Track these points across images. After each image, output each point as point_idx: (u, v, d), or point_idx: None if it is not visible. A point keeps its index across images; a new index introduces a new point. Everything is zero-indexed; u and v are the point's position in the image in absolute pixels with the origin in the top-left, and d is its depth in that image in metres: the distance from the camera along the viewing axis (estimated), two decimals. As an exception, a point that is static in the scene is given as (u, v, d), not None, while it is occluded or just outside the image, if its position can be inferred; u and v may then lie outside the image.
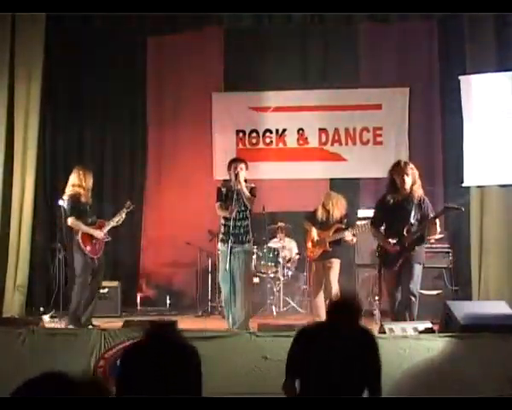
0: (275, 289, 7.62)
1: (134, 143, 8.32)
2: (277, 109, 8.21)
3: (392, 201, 5.53)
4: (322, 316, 6.30)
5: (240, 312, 5.92)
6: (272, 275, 7.59)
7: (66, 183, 6.31)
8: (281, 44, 8.04)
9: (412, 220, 5.44)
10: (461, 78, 7.30)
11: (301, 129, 8.20)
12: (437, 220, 5.41)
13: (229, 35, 8.16)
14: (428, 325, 5.12)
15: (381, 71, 8.02)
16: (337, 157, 8.15)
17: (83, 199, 6.12)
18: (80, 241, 6.03)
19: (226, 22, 7.81)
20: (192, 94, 8.25)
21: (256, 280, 7.21)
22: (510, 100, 7.06)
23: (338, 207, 6.45)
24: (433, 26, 7.85)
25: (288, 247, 7.85)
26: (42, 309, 7.12)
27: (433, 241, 6.52)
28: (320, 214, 6.49)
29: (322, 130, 8.17)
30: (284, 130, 8.22)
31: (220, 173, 7.65)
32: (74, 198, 6.07)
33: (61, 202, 6.78)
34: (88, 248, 6.07)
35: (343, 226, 6.40)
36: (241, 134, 8.28)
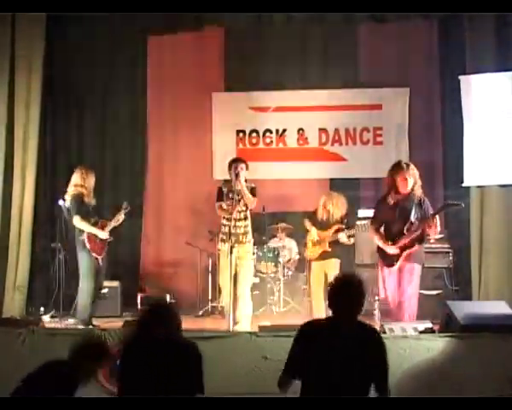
0: (275, 289, 7.62)
1: (134, 144, 8.31)
2: (277, 109, 8.20)
3: (392, 201, 5.54)
4: (322, 316, 6.31)
5: (240, 312, 5.93)
6: (272, 275, 7.60)
7: (67, 183, 6.31)
8: (281, 44, 8.04)
9: (413, 219, 5.45)
10: (461, 78, 7.30)
11: (301, 129, 8.19)
12: (437, 219, 5.41)
13: (229, 35, 8.15)
14: (428, 325, 5.13)
15: (381, 71, 8.01)
16: (337, 157, 8.14)
17: (86, 199, 6.12)
18: (86, 241, 6.03)
19: (226, 22, 7.82)
20: (192, 94, 8.25)
21: (256, 280, 7.20)
22: (510, 100, 7.06)
23: (338, 207, 6.45)
24: (433, 26, 7.84)
25: (288, 247, 7.85)
26: (42, 309, 7.11)
27: (433, 241, 6.54)
28: (320, 214, 6.49)
29: (322, 130, 8.16)
30: (284, 130, 8.22)
31: (220, 173, 7.65)
32: (78, 198, 6.07)
33: (61, 202, 6.79)
34: (93, 248, 6.07)
35: (343, 226, 6.40)
36: (241, 134, 8.28)
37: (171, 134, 8.30)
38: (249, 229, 6.10)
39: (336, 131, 8.13)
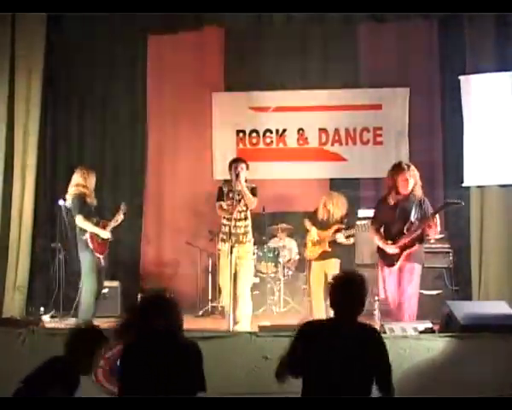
0: (275, 289, 7.62)
1: (134, 143, 8.31)
2: (277, 109, 8.20)
3: (392, 201, 5.55)
4: (322, 316, 6.31)
5: (240, 312, 5.94)
6: (272, 275, 7.60)
7: (67, 183, 6.30)
8: (281, 44, 8.03)
9: (413, 219, 5.46)
10: (461, 78, 7.30)
11: (301, 129, 8.19)
12: (437, 219, 5.42)
13: (229, 35, 8.15)
14: (428, 325, 5.13)
15: (381, 71, 8.01)
16: (337, 157, 8.14)
17: (88, 199, 6.11)
18: (89, 240, 6.03)
19: (226, 22, 7.82)
20: (192, 94, 8.25)
21: (256, 280, 7.21)
22: (510, 100, 7.07)
23: (339, 207, 6.45)
24: (433, 26, 7.84)
25: (288, 247, 7.85)
26: (42, 309, 7.11)
27: (433, 241, 6.54)
28: (321, 214, 6.50)
29: (322, 130, 8.16)
30: (284, 130, 8.22)
31: (220, 173, 7.66)
32: (80, 198, 6.06)
33: (61, 202, 6.79)
34: (95, 247, 6.07)
35: (343, 226, 6.40)
36: (241, 134, 8.28)
37: (171, 133, 8.30)
38: (249, 229, 6.11)
39: (336, 131, 8.13)
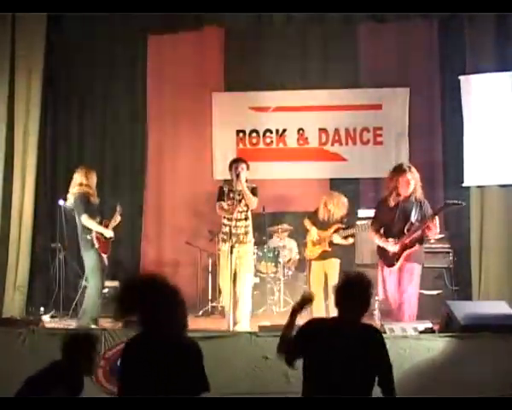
0: (275, 289, 7.61)
1: (134, 143, 8.31)
2: (277, 109, 8.20)
3: (393, 203, 5.55)
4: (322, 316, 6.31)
5: (240, 312, 5.93)
6: (272, 275, 7.59)
7: (67, 183, 6.30)
8: (281, 44, 8.03)
9: (413, 220, 5.46)
10: (461, 78, 7.31)
11: (301, 129, 8.19)
12: (436, 220, 5.42)
13: (229, 35, 8.15)
14: (428, 325, 5.13)
15: (381, 71, 8.01)
16: (337, 157, 8.14)
17: (91, 198, 6.12)
18: (95, 240, 6.03)
19: (226, 22, 7.82)
20: (192, 94, 8.25)
21: (256, 280, 7.21)
22: (510, 100, 7.07)
23: (339, 207, 6.45)
24: (433, 26, 7.84)
25: (288, 247, 7.85)
26: (42, 309, 7.11)
27: (433, 241, 6.54)
28: (321, 214, 6.49)
29: (322, 130, 8.16)
30: (284, 130, 8.22)
31: (220, 173, 7.66)
32: (84, 197, 6.05)
33: (61, 202, 6.79)
34: (101, 246, 6.08)
35: (343, 226, 6.40)
36: (241, 134, 8.28)
37: (171, 133, 8.30)
38: (250, 229, 6.11)
39: (336, 131, 8.13)
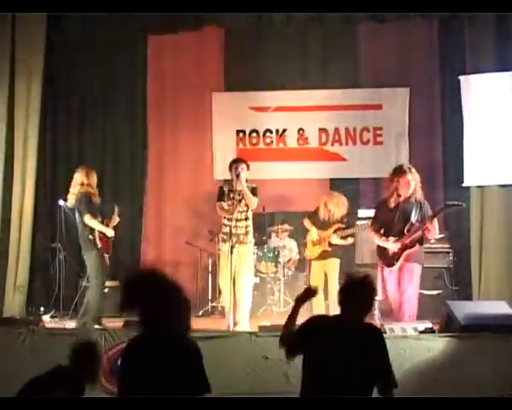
0: (275, 289, 7.61)
1: (134, 143, 8.31)
2: (277, 109, 8.20)
3: (393, 204, 5.56)
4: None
5: (240, 312, 5.93)
6: (272, 275, 7.59)
7: (68, 183, 6.29)
8: (281, 44, 8.03)
9: (413, 220, 5.47)
10: (461, 78, 7.31)
11: (301, 129, 8.19)
12: (435, 222, 5.43)
13: (229, 35, 8.15)
14: (428, 325, 5.13)
15: (381, 71, 8.01)
16: (337, 157, 8.14)
17: (93, 198, 6.12)
18: (98, 239, 6.03)
19: (226, 22, 7.82)
20: (192, 94, 8.24)
21: (256, 280, 7.20)
22: (510, 100, 7.07)
23: (339, 207, 6.45)
24: (433, 25, 7.83)
25: (288, 247, 7.84)
26: (42, 309, 7.12)
27: (433, 241, 6.54)
28: (322, 214, 6.49)
29: (322, 130, 8.16)
30: (284, 130, 8.21)
31: (220, 173, 7.66)
32: (86, 197, 6.05)
33: (61, 203, 6.79)
34: (103, 246, 6.08)
35: (343, 226, 6.40)
36: (241, 134, 8.27)
37: (171, 134, 8.29)
38: (250, 229, 6.10)
39: (336, 131, 8.13)
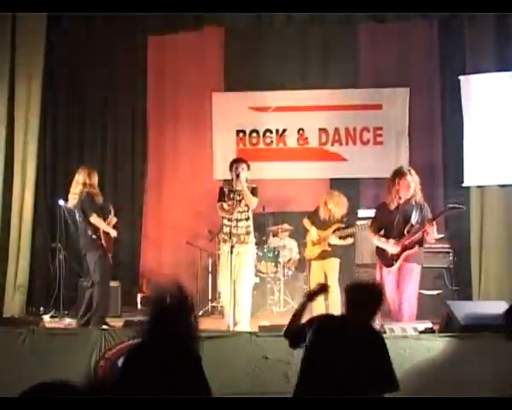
0: (275, 289, 7.61)
1: (134, 143, 8.31)
2: (277, 109, 8.20)
3: (393, 206, 5.56)
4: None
5: (240, 312, 5.93)
6: (272, 275, 7.59)
7: (68, 183, 6.29)
8: (281, 44, 8.03)
9: (413, 222, 5.47)
10: (461, 78, 7.30)
11: (301, 129, 8.19)
12: (434, 225, 5.43)
13: (229, 35, 8.15)
14: (428, 325, 5.13)
15: (381, 71, 8.01)
16: (337, 157, 8.14)
17: (95, 198, 6.11)
18: (103, 239, 6.03)
19: (226, 22, 7.82)
20: (192, 94, 8.24)
21: (256, 280, 7.20)
22: (510, 100, 7.07)
23: (339, 207, 6.44)
24: (433, 25, 7.84)
25: (288, 247, 7.84)
26: (42, 309, 7.12)
27: (432, 241, 6.54)
28: (322, 213, 6.48)
29: (322, 130, 8.16)
30: (284, 130, 8.22)
31: (220, 173, 7.65)
32: (90, 197, 6.05)
33: (61, 202, 6.79)
34: (107, 245, 6.08)
35: (342, 226, 6.40)
36: (241, 134, 8.27)
37: (171, 133, 8.30)
38: (251, 229, 6.09)
39: (336, 131, 8.13)
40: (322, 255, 6.43)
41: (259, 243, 7.25)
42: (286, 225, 7.81)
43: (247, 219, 6.04)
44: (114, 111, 8.21)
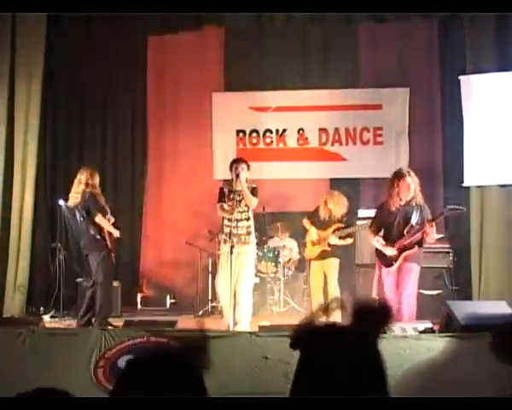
0: (275, 289, 7.61)
1: (134, 143, 8.31)
2: (277, 109, 8.20)
3: (394, 207, 5.56)
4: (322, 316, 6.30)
5: (240, 312, 5.93)
6: (272, 275, 7.59)
7: (68, 183, 6.29)
8: (281, 44, 8.04)
9: (413, 223, 5.47)
10: (461, 78, 7.30)
11: (301, 129, 8.19)
12: (434, 226, 5.43)
13: (229, 35, 8.16)
14: (428, 325, 5.12)
15: (381, 71, 8.02)
16: (337, 157, 8.15)
17: (98, 198, 6.11)
18: (107, 239, 6.03)
19: (226, 22, 7.82)
20: (192, 94, 8.25)
21: (256, 280, 7.20)
22: (510, 100, 7.06)
23: (339, 206, 6.43)
24: (433, 26, 7.84)
25: (288, 247, 7.84)
26: (42, 309, 7.12)
27: (433, 241, 6.54)
28: (322, 212, 6.48)
29: (322, 130, 8.17)
30: (284, 130, 8.22)
31: (220, 173, 7.66)
32: (93, 197, 6.05)
33: (61, 202, 6.79)
34: (112, 245, 6.08)
35: (342, 226, 6.40)
36: (241, 134, 8.28)
37: (171, 133, 8.30)
38: (252, 229, 6.07)
39: (336, 131, 8.13)
40: (322, 255, 6.43)
41: (259, 243, 7.25)
42: (285, 226, 7.78)
43: (248, 219, 6.03)
44: (114, 111, 8.21)
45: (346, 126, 8.12)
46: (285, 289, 7.62)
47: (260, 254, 7.45)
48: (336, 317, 4.71)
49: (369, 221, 6.03)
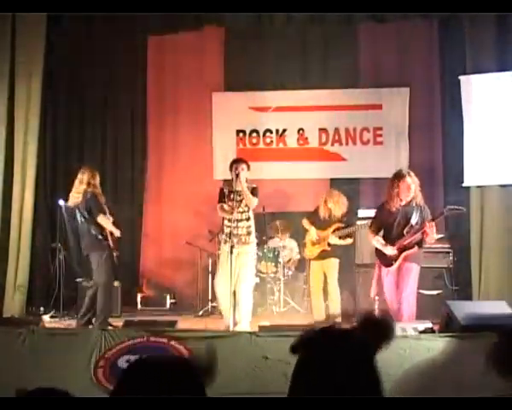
0: (275, 289, 7.61)
1: (134, 143, 8.32)
2: (277, 109, 8.20)
3: (394, 208, 5.56)
4: (322, 316, 6.31)
5: (240, 312, 5.93)
6: (272, 275, 7.59)
7: (69, 183, 6.28)
8: (281, 44, 8.04)
9: (413, 222, 5.48)
10: (461, 78, 7.30)
11: (301, 129, 8.19)
12: (433, 227, 5.43)
13: (229, 35, 8.16)
14: (428, 325, 5.12)
15: (381, 71, 8.02)
16: (337, 157, 8.14)
17: (99, 198, 6.11)
18: (110, 239, 6.02)
19: (226, 22, 7.82)
20: (192, 94, 8.25)
21: (256, 280, 7.20)
22: (510, 100, 7.06)
23: (339, 205, 6.44)
24: (433, 26, 7.84)
25: (288, 247, 7.84)
26: (42, 309, 7.12)
27: (432, 241, 6.53)
28: (322, 212, 6.48)
29: (322, 130, 8.17)
30: (284, 130, 8.22)
31: (220, 173, 7.66)
32: (95, 197, 6.04)
33: (61, 202, 6.79)
34: (114, 245, 6.08)
35: (342, 225, 6.40)
36: (241, 134, 8.28)
37: (171, 134, 8.31)
38: (252, 229, 6.07)
39: (336, 131, 8.13)
40: (322, 255, 6.43)
41: (260, 243, 7.25)
42: (285, 226, 7.78)
43: (248, 219, 6.03)
44: (114, 111, 8.21)
45: (346, 126, 8.12)
46: (285, 289, 7.62)
47: (260, 254, 7.45)
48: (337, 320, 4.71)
49: (369, 221, 6.03)
